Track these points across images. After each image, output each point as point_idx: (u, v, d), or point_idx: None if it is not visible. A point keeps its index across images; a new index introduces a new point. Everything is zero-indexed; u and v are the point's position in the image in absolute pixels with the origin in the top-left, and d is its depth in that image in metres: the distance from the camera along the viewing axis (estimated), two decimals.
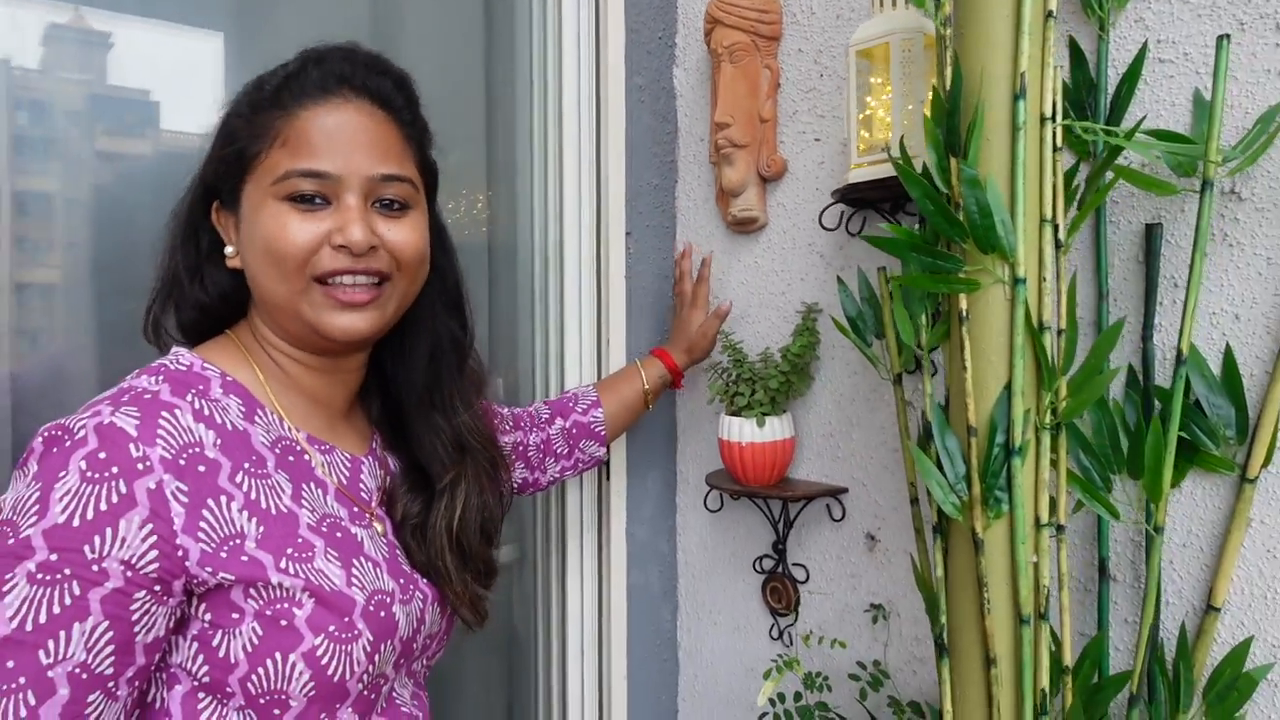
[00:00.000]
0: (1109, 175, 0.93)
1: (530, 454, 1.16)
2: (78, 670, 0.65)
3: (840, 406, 1.32)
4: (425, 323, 0.91)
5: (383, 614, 0.77)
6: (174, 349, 0.79)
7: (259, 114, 0.78)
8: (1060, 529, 0.93)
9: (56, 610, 0.64)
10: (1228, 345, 0.94)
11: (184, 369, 0.77)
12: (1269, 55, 0.91)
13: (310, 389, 0.84)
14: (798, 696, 1.25)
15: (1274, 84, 0.91)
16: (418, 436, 0.90)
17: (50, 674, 0.64)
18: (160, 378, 0.75)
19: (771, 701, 1.24)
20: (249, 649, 0.71)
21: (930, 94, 1.12)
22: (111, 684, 0.67)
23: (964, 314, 0.92)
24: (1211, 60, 0.95)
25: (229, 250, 0.80)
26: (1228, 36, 0.88)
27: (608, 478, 1.51)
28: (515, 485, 1.16)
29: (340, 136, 0.77)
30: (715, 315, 1.38)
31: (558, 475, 1.22)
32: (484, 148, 1.58)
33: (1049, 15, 0.89)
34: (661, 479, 1.57)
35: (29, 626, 0.63)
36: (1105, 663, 1.00)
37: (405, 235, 0.81)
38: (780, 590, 1.39)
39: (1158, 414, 0.93)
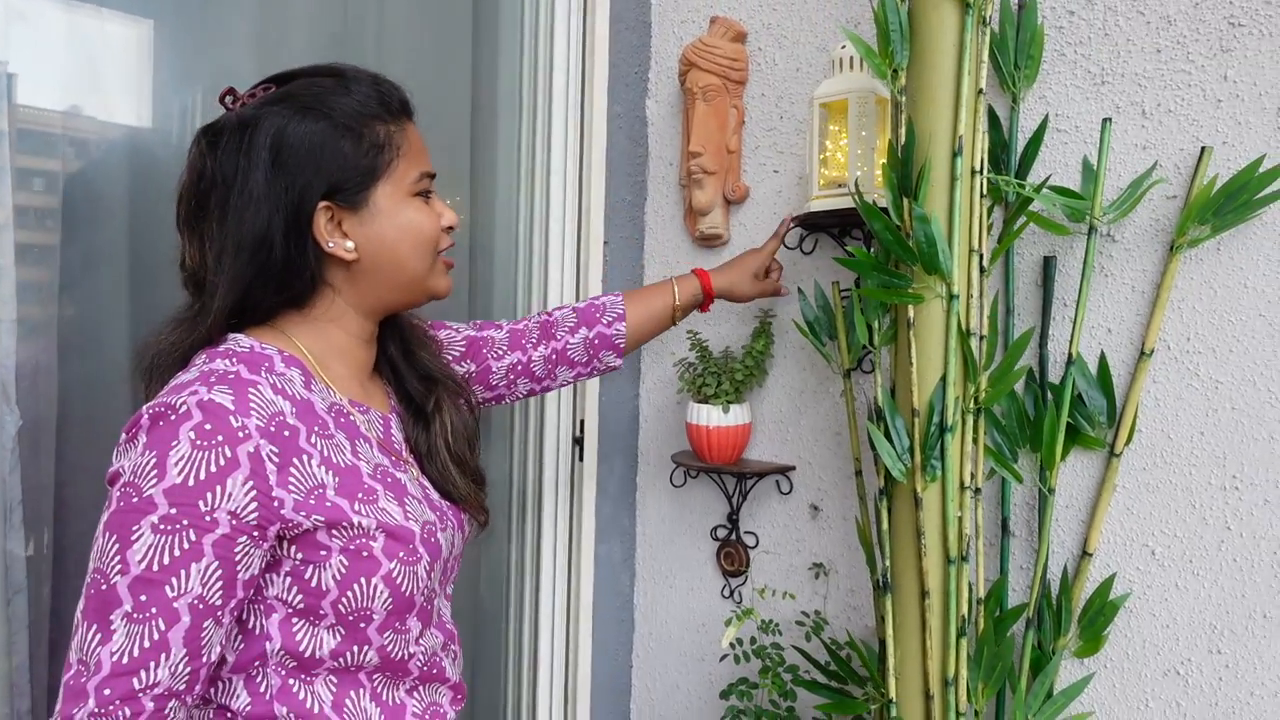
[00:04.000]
0: (1021, 219, 1.20)
1: (535, 368, 1.28)
2: (196, 601, 0.80)
3: (790, 397, 1.56)
4: None
5: (433, 539, 0.95)
6: (230, 335, 0.93)
7: (377, 129, 0.94)
8: (977, 491, 1.19)
9: (177, 554, 0.79)
10: (1102, 352, 1.22)
11: (247, 350, 0.91)
12: (1136, 133, 1.21)
13: (354, 358, 1.00)
14: (753, 640, 1.48)
15: (1140, 155, 1.20)
16: (408, 384, 1.08)
17: (175, 605, 0.79)
18: (233, 360, 0.89)
19: (732, 645, 1.47)
20: (338, 577, 0.87)
21: (885, 144, 1.38)
22: (220, 613, 0.82)
23: (911, 321, 1.17)
24: (1096, 132, 1.24)
25: (349, 245, 0.94)
26: (1110, 119, 1.17)
27: (580, 459, 1.70)
28: (518, 396, 1.31)
29: (423, 146, 1.01)
30: (768, 253, 1.43)
31: (570, 380, 1.31)
32: (467, 156, 1.75)
33: (979, 91, 1.16)
34: (624, 461, 1.78)
35: (155, 567, 0.78)
36: (1005, 598, 1.27)
37: None
38: (733, 554, 1.62)
39: (1052, 403, 1.21)
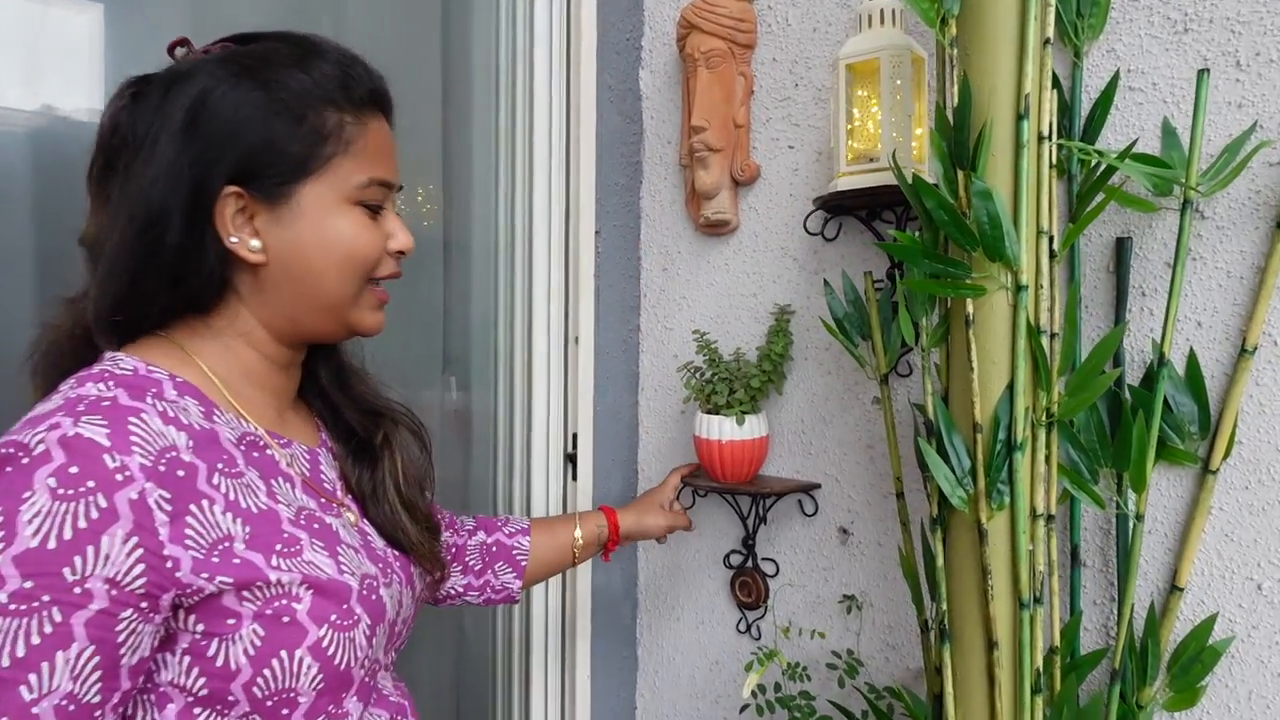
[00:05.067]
0: (1099, 195, 1.01)
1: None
2: (65, 702, 0.61)
3: (814, 405, 1.36)
4: None
5: (374, 597, 0.77)
6: (108, 354, 0.74)
7: (325, 114, 0.75)
8: (1050, 519, 1.00)
9: (36, 640, 0.60)
10: (1191, 349, 1.03)
11: (129, 373, 0.71)
12: (1230, 89, 1.02)
13: (272, 384, 0.82)
14: (778, 686, 1.29)
15: (1233, 115, 1.01)
16: (347, 416, 0.91)
17: (36, 709, 0.60)
18: (110, 383, 0.69)
19: (754, 693, 1.28)
20: (252, 652, 0.69)
21: (923, 110, 1.18)
22: (98, 713, 0.63)
23: (970, 318, 0.97)
24: (1178, 91, 1.05)
25: (255, 245, 0.75)
26: (1207, 71, 0.98)
27: (574, 478, 1.50)
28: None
29: (391, 150, 0.82)
30: (672, 487, 1.32)
31: (460, 591, 1.07)
32: (439, 140, 1.55)
33: (1046, 41, 0.96)
34: (623, 477, 1.58)
35: (6, 662, 0.59)
36: (1078, 642, 1.08)
37: None
38: (750, 584, 1.42)
39: (1133, 410, 1.01)
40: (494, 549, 1.10)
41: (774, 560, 1.41)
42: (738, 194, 1.44)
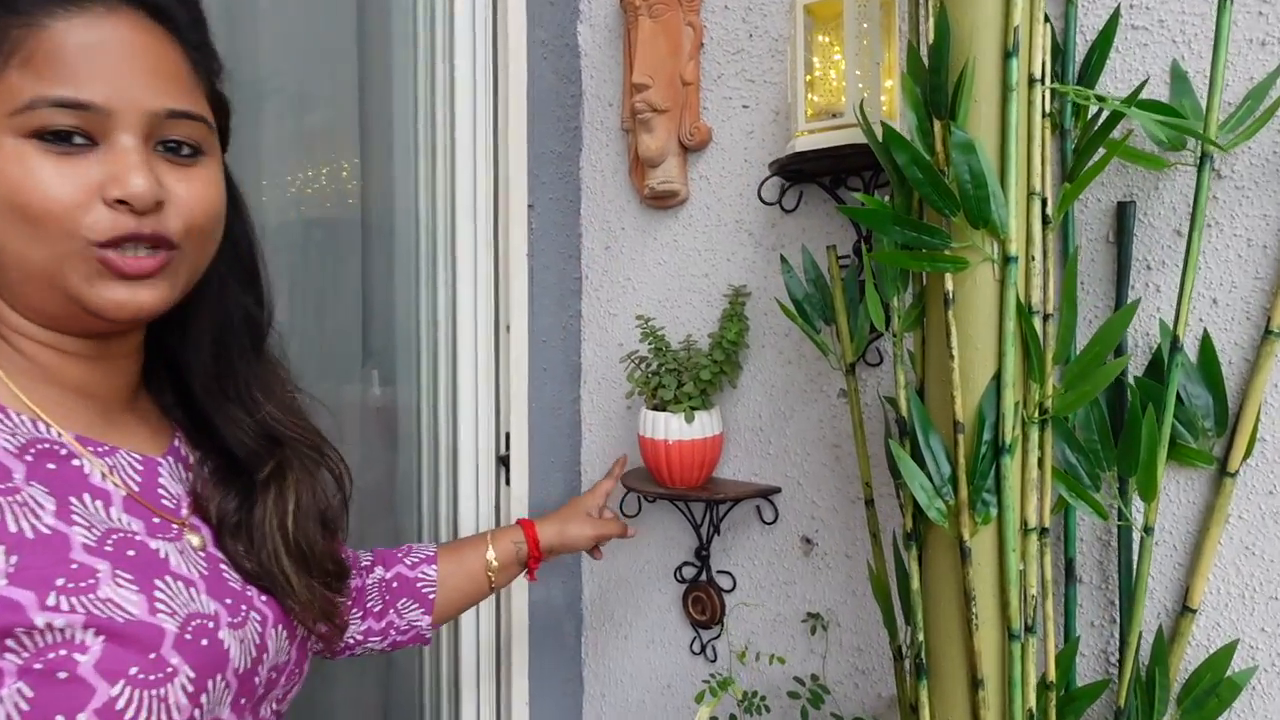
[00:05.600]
0: (1101, 149, 0.86)
1: None
2: None
3: (772, 399, 1.21)
4: (213, 298, 0.72)
5: (205, 642, 0.60)
6: None
7: None
8: (1044, 533, 0.85)
9: None
10: (1205, 332, 0.88)
11: None
12: (1252, 24, 0.86)
13: (75, 381, 0.65)
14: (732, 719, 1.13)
15: (1256, 55, 0.86)
16: (219, 428, 0.73)
17: None
18: None
19: None
20: (16, 718, 0.53)
21: (893, 59, 1.02)
22: None
23: (950, 296, 0.82)
24: (1189, 28, 0.89)
25: None
26: (1229, 0, 0.82)
27: (507, 482, 1.34)
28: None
29: (108, 57, 0.58)
30: (602, 491, 1.14)
31: (359, 638, 0.89)
32: (355, 105, 1.38)
33: None
34: (564, 480, 1.42)
35: None
36: (1074, 672, 0.94)
37: (201, 190, 0.63)
38: (704, 600, 1.27)
39: (1141, 405, 0.86)
40: (394, 584, 0.93)
41: (730, 573, 1.26)
42: (687, 161, 1.28)
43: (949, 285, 0.82)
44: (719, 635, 1.27)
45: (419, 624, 0.93)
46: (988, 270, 0.81)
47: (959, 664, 0.84)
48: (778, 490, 1.20)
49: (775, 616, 1.21)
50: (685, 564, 1.30)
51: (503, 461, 1.35)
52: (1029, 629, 0.82)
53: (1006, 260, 0.80)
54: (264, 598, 0.69)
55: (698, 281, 1.27)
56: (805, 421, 1.17)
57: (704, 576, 1.27)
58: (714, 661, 1.28)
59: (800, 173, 1.12)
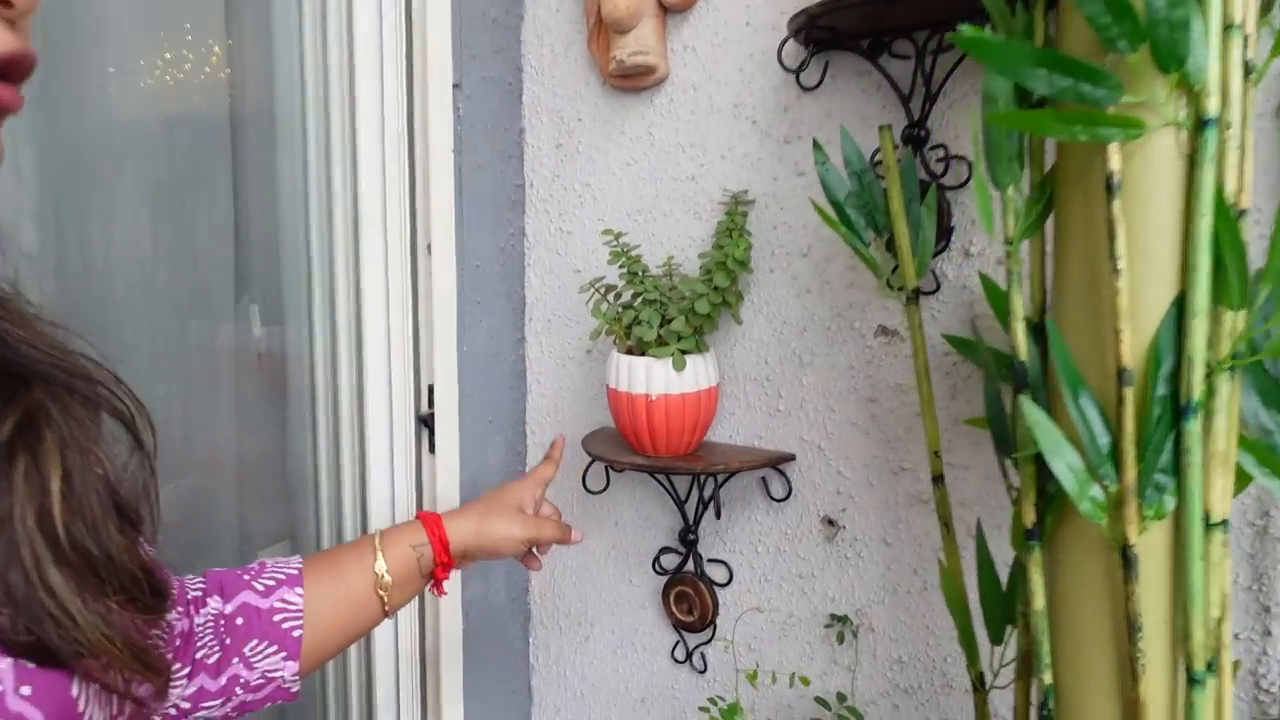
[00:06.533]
0: None
1: None
2: None
3: (783, 340, 0.92)
4: None
5: None
6: None
7: None
8: (1225, 526, 0.59)
9: None
10: None
11: None
12: None
13: None
14: None
15: None
16: None
17: None
18: None
19: None
20: None
21: None
22: None
23: (1113, 179, 0.54)
24: None
25: None
26: None
27: (431, 450, 1.03)
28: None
29: None
30: (538, 480, 0.83)
31: (187, 705, 0.59)
32: None
33: None
34: (506, 446, 1.11)
35: None
36: None
37: None
38: (690, 597, 0.99)
39: None
40: (239, 621, 0.62)
41: (725, 563, 0.98)
42: (666, 24, 0.96)
43: (1113, 163, 0.54)
44: (709, 640, 1.00)
45: (278, 674, 0.63)
46: (1168, 141, 0.53)
47: (1111, 711, 0.58)
48: (791, 458, 0.92)
49: (786, 618, 0.95)
50: (666, 551, 1.02)
51: (425, 422, 1.04)
52: (1209, 667, 0.57)
53: (1201, 125, 0.52)
54: (22, 680, 0.38)
55: (681, 187, 0.97)
56: (829, 369, 0.89)
57: (691, 567, 0.99)
58: (702, 672, 1.01)
59: (831, 34, 0.82)
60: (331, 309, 1.04)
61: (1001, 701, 0.76)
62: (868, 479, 0.88)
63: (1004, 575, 0.69)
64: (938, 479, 0.74)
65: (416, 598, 1.05)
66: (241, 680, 0.61)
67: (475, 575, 1.07)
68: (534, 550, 0.81)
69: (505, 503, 0.79)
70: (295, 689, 0.64)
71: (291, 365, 1.12)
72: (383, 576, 0.69)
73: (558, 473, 0.85)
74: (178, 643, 0.58)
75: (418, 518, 0.75)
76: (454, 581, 1.03)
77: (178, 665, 0.57)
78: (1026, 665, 0.66)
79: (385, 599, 0.69)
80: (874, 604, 0.89)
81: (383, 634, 1.04)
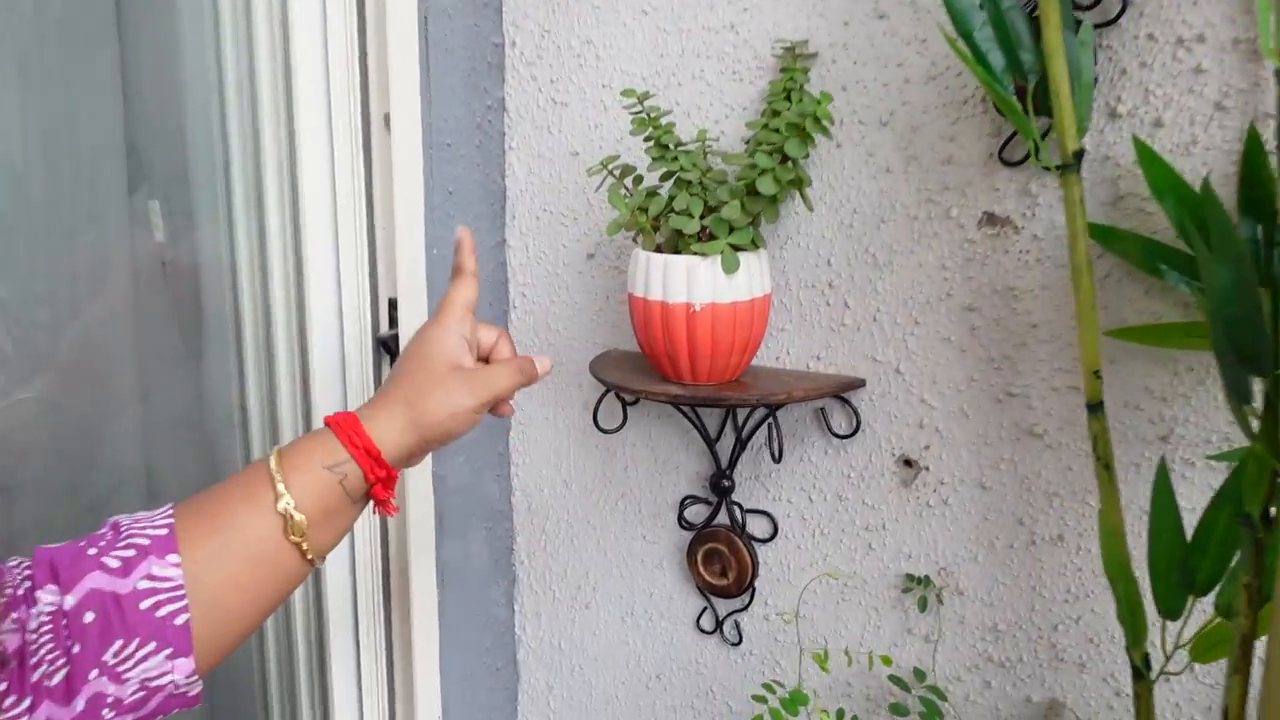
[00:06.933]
0: None
1: None
2: None
3: (852, 234, 0.73)
4: None
5: None
6: None
7: None
8: None
9: None
10: None
11: None
12: None
13: None
14: None
15: None
16: None
17: None
18: None
19: None
20: None
21: None
22: None
23: None
24: None
25: None
26: None
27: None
28: None
29: None
30: (459, 308, 0.58)
31: None
32: None
33: None
34: None
35: None
36: None
37: None
38: (723, 556, 0.81)
39: None
40: (88, 619, 0.42)
41: (768, 514, 0.80)
42: None
43: None
44: (746, 607, 0.83)
45: (165, 680, 0.44)
46: None
47: None
48: (860, 384, 0.73)
49: (848, 581, 0.77)
50: (692, 499, 0.83)
51: (385, 345, 0.82)
52: None
53: None
54: None
55: (715, 40, 0.75)
56: (914, 270, 0.71)
57: (725, 519, 0.81)
58: (735, 645, 0.84)
59: None
60: (259, 203, 0.80)
61: (1172, 693, 0.60)
62: (960, 408, 0.70)
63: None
64: (1094, 407, 0.56)
65: (379, 561, 0.84)
66: (110, 699, 0.41)
67: (451, 534, 0.87)
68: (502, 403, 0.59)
69: (433, 366, 0.55)
70: (195, 692, 0.45)
71: (207, 277, 0.89)
72: (292, 516, 0.48)
73: (478, 275, 0.60)
74: (12, 664, 0.38)
75: (326, 423, 0.52)
76: (423, 536, 0.83)
77: (11, 699, 0.37)
78: (1245, 653, 0.50)
79: (303, 545, 0.48)
80: (964, 561, 0.72)
81: (337, 593, 0.84)
